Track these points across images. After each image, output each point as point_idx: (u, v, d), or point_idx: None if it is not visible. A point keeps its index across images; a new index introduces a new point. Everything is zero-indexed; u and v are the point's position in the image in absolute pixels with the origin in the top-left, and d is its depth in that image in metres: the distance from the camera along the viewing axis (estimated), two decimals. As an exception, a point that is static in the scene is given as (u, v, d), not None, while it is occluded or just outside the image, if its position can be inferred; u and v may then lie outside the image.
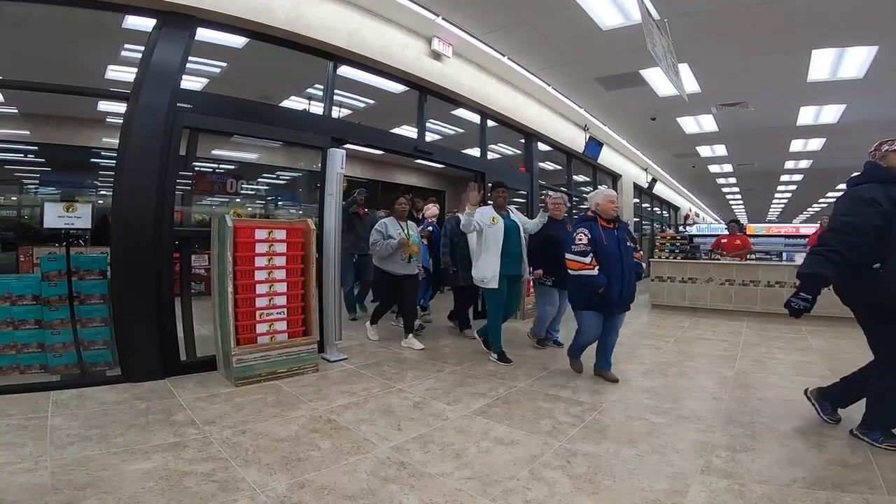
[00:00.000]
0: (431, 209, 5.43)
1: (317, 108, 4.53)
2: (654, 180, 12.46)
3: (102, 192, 6.13)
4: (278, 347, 3.26)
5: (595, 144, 8.49)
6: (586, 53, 5.42)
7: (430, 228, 5.17)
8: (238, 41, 3.98)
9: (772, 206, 19.62)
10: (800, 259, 6.63)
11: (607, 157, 9.40)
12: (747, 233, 9.63)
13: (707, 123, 8.16)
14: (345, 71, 4.50)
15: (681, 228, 14.78)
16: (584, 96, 7.06)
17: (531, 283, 4.13)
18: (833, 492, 1.83)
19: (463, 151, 6.14)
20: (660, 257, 7.15)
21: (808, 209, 20.19)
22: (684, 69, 5.38)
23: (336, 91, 4.43)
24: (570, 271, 3.20)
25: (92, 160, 6.18)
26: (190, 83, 3.91)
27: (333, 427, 2.45)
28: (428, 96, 5.27)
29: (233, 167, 6.62)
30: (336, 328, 3.86)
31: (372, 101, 6.06)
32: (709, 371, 3.67)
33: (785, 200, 17.99)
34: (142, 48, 3.27)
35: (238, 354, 3.07)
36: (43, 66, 3.91)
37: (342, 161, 3.87)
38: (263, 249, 3.28)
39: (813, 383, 2.71)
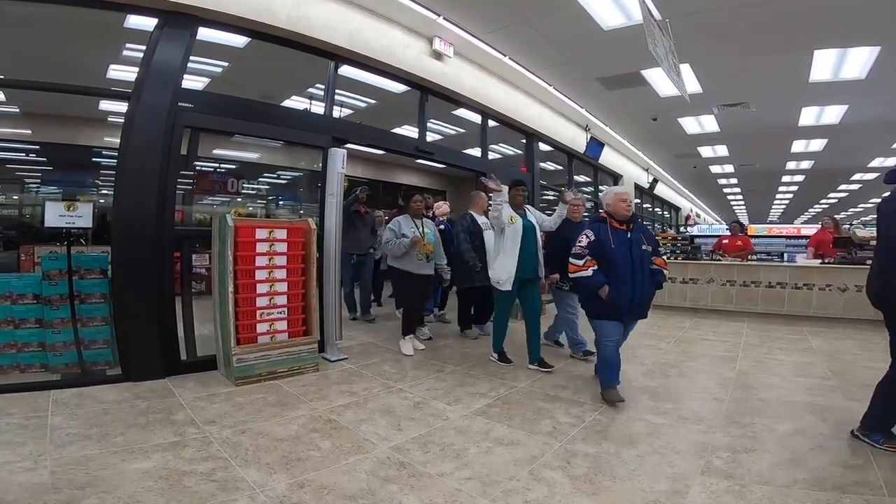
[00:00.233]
0: (442, 207, 5.42)
1: (318, 108, 4.54)
2: (655, 181, 12.42)
3: (104, 192, 6.16)
4: (278, 347, 3.26)
5: (596, 145, 8.47)
6: (587, 53, 5.42)
7: (442, 227, 5.15)
8: (239, 41, 3.98)
9: (773, 206, 19.59)
10: (800, 259, 6.63)
11: (608, 158, 9.38)
12: (748, 233, 9.61)
13: (708, 124, 8.14)
14: (346, 71, 4.50)
15: (682, 229, 14.74)
16: (585, 96, 7.05)
17: (545, 285, 4.01)
18: (833, 493, 1.82)
19: (464, 151, 6.15)
20: (660, 257, 7.12)
21: (810, 210, 20.16)
22: (686, 69, 5.38)
23: (337, 91, 4.43)
24: (569, 275, 3.11)
25: (93, 159, 6.20)
26: (191, 83, 3.93)
27: (333, 427, 2.45)
28: (429, 96, 5.27)
29: (234, 167, 6.64)
30: (336, 328, 3.86)
31: (373, 101, 6.07)
32: (709, 372, 3.66)
33: (786, 201, 17.95)
34: (143, 48, 3.28)
35: (238, 354, 3.07)
36: (45, 65, 3.92)
37: (343, 161, 3.87)
38: (264, 249, 3.28)
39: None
